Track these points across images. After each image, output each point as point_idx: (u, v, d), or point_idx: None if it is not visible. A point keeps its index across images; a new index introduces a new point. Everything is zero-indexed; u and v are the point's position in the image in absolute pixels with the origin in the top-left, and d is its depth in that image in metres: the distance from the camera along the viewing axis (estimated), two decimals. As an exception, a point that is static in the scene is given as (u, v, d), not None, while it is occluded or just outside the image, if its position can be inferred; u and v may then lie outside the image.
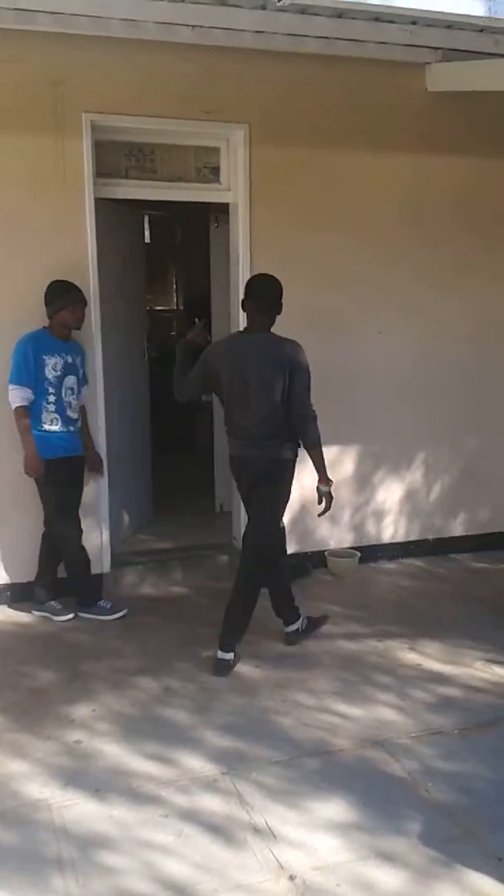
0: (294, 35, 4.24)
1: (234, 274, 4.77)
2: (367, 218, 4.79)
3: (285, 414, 3.59)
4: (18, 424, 4.01)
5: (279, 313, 3.69)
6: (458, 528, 5.32)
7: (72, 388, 4.13)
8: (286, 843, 2.57)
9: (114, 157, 4.59)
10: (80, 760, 3.03)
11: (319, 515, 3.79)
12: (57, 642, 4.05)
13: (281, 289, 3.67)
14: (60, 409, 4.09)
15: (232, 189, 4.69)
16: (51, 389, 4.05)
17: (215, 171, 4.75)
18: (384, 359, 4.95)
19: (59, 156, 4.24)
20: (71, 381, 4.13)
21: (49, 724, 3.26)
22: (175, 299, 9.64)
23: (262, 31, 4.19)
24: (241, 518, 4.89)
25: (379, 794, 2.80)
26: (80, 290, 4.13)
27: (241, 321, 4.68)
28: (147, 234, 9.23)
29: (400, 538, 5.19)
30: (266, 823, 2.66)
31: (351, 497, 5.03)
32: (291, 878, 2.42)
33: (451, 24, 4.01)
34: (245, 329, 3.80)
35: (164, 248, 9.29)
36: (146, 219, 8.92)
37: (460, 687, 3.54)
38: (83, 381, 4.26)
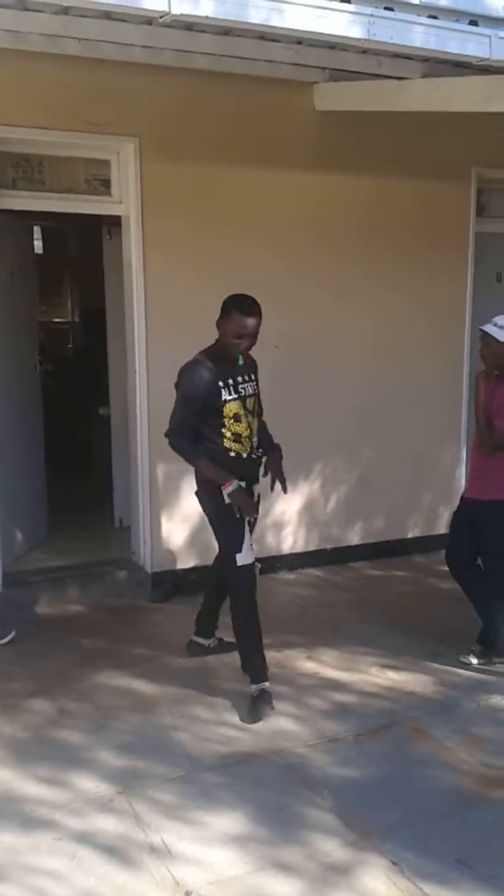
0: (182, 51, 4.27)
1: (127, 285, 4.73)
2: (259, 231, 4.84)
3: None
4: None
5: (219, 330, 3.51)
6: (354, 537, 5.41)
7: None
8: (182, 859, 2.54)
9: (0, 168, 4.49)
10: (-32, 788, 2.91)
11: (247, 517, 3.51)
12: None
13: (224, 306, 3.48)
14: None
15: (123, 202, 4.65)
16: None
17: (106, 183, 4.70)
18: (281, 370, 4.98)
19: None
20: None
21: None
22: (70, 311, 9.50)
23: (150, 47, 4.20)
24: (141, 533, 4.86)
25: (276, 805, 2.81)
26: None
27: (136, 334, 4.68)
28: (40, 245, 9.10)
29: (299, 548, 5.24)
30: (162, 841, 2.62)
31: (249, 509, 5.04)
32: (187, 894, 2.39)
33: (333, 44, 4.11)
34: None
35: (59, 260, 9.16)
36: (39, 230, 8.80)
37: (356, 693, 3.60)
38: None
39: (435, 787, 2.92)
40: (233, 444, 3.48)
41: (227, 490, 3.41)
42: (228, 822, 2.72)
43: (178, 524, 4.86)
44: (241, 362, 3.47)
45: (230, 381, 3.43)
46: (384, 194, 5.13)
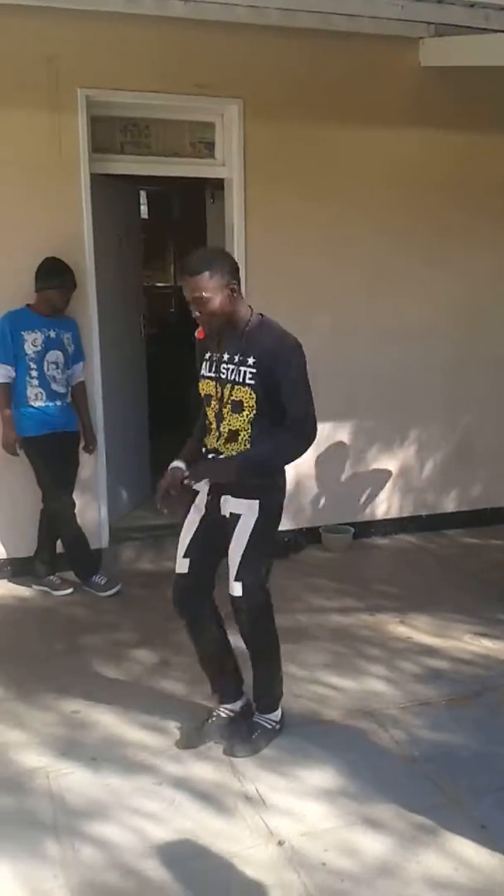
0: (287, 10, 4.23)
1: (228, 248, 4.77)
2: (360, 190, 4.79)
3: None
4: None
5: None
6: (450, 505, 5.38)
7: (55, 363, 4.18)
8: (276, 810, 2.65)
9: (109, 133, 4.59)
10: (76, 730, 3.11)
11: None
12: (56, 616, 4.13)
13: None
14: (44, 384, 4.14)
15: (227, 164, 4.69)
16: (32, 365, 4.11)
17: (210, 146, 4.75)
18: (377, 333, 4.98)
19: (55, 132, 4.25)
20: (54, 356, 4.17)
21: (46, 695, 3.34)
22: (173, 275, 9.62)
23: (255, 6, 4.18)
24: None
25: (367, 763, 2.88)
26: (72, 274, 4.16)
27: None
28: (145, 209, 9.23)
29: (393, 514, 5.26)
30: (256, 791, 2.74)
31: (344, 473, 5.08)
32: (280, 843, 2.50)
33: (441, -1, 4.00)
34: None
35: (163, 224, 9.25)
36: (144, 194, 8.91)
37: (448, 659, 3.62)
38: (75, 357, 4.29)
39: (526, 755, 2.94)
40: (206, 431, 2.92)
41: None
42: (320, 777, 2.81)
43: (274, 487, 4.94)
44: (244, 340, 2.74)
45: (216, 356, 2.81)
46: (489, 152, 4.97)
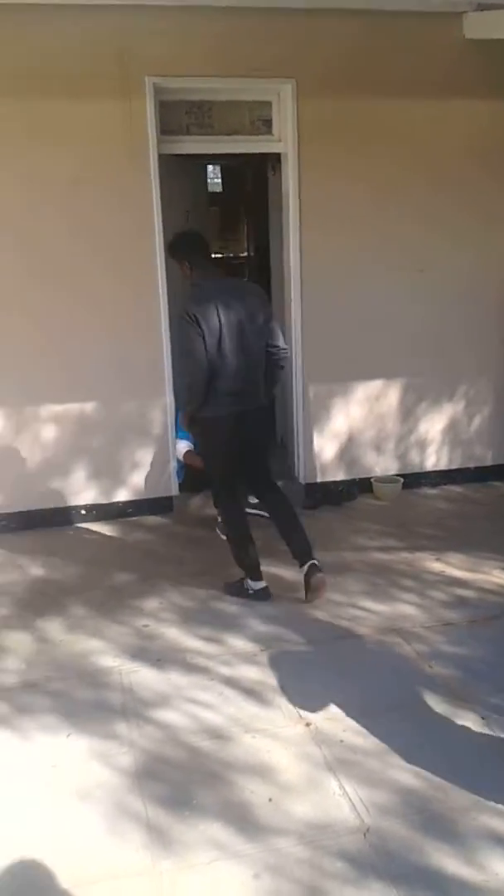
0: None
1: (284, 218, 5.17)
2: (408, 160, 5.07)
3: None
4: None
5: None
6: (499, 457, 5.66)
7: None
8: (306, 702, 3.12)
9: (175, 115, 5.01)
10: (145, 640, 3.66)
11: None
12: (134, 550, 4.69)
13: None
14: None
15: (283, 139, 5.05)
16: None
17: (267, 123, 5.11)
18: (426, 293, 5.27)
19: (126, 117, 4.69)
20: None
21: (122, 613, 3.90)
22: (246, 246, 9.95)
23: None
24: (295, 448, 5.40)
25: (389, 667, 3.33)
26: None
27: (292, 265, 5.13)
28: (219, 183, 9.57)
29: (442, 466, 5.58)
30: (291, 688, 3.22)
31: (395, 427, 5.44)
32: (307, 724, 2.98)
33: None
34: (208, 275, 3.87)
35: (236, 197, 9.46)
36: (219, 169, 9.24)
37: (476, 589, 4.00)
38: None
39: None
40: None
41: None
42: (346, 679, 3.27)
43: (328, 441, 5.36)
44: None
45: None
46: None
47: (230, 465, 3.95)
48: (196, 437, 4.38)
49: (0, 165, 4.59)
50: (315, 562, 3.88)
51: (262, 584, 3.97)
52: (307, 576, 3.86)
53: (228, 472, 3.99)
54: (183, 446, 4.98)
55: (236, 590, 4.02)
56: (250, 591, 3.97)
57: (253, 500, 4.70)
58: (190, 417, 4.02)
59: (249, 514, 4.26)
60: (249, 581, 3.98)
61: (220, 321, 3.65)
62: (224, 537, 4.31)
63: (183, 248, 3.92)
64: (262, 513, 4.26)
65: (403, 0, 4.63)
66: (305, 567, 3.87)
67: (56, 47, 4.49)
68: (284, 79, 4.84)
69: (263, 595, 3.95)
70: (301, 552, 3.92)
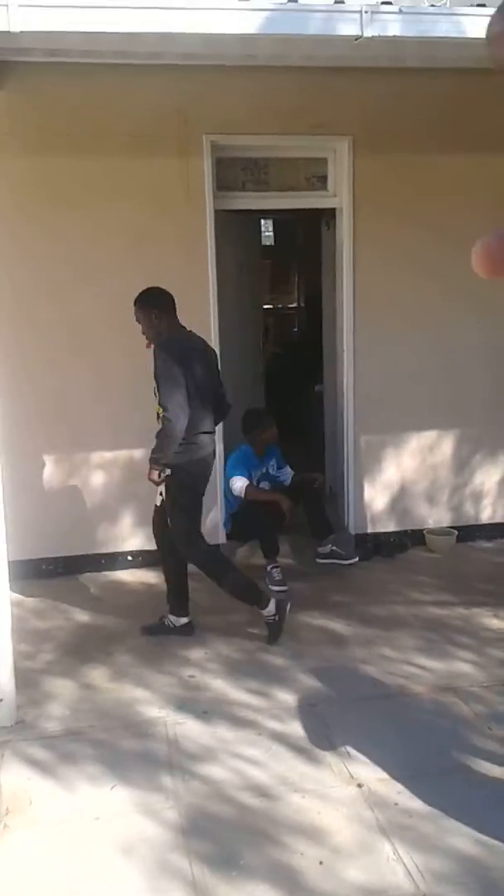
0: (391, 55, 4.61)
1: (338, 272, 5.20)
2: (464, 216, 5.06)
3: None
4: None
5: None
6: None
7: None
8: (358, 762, 3.01)
9: (231, 172, 5.13)
10: (191, 691, 3.59)
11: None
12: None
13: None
14: None
15: (338, 195, 5.12)
16: None
17: (322, 179, 5.19)
18: (483, 347, 5.22)
19: (184, 174, 4.82)
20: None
21: (168, 662, 3.85)
22: (297, 297, 10.12)
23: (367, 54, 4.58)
24: (346, 498, 5.33)
25: (446, 728, 3.19)
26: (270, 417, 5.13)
27: (345, 317, 5.14)
28: (271, 237, 9.80)
29: (498, 518, 5.45)
30: (343, 746, 3.11)
31: (449, 478, 5.34)
32: (359, 785, 2.86)
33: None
34: (179, 328, 4.00)
35: (288, 250, 9.76)
36: (271, 223, 9.47)
37: (536, 649, 3.84)
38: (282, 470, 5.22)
39: None
40: None
41: None
42: (400, 739, 3.15)
43: (379, 491, 5.29)
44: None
45: None
46: None
47: (200, 508, 4.13)
48: (175, 487, 3.99)
49: (63, 221, 4.72)
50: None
51: (185, 620, 4.13)
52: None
53: (199, 516, 4.14)
54: (242, 483, 4.87)
55: (157, 629, 4.12)
56: (172, 627, 4.10)
57: (324, 549, 4.89)
58: (166, 465, 3.89)
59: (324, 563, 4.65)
60: (171, 617, 4.13)
61: (198, 367, 3.90)
62: (275, 590, 4.26)
63: (157, 301, 3.99)
64: (339, 561, 4.66)
65: (459, 61, 4.69)
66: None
67: (118, 106, 4.65)
68: (341, 136, 4.92)
69: (187, 630, 4.10)
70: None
